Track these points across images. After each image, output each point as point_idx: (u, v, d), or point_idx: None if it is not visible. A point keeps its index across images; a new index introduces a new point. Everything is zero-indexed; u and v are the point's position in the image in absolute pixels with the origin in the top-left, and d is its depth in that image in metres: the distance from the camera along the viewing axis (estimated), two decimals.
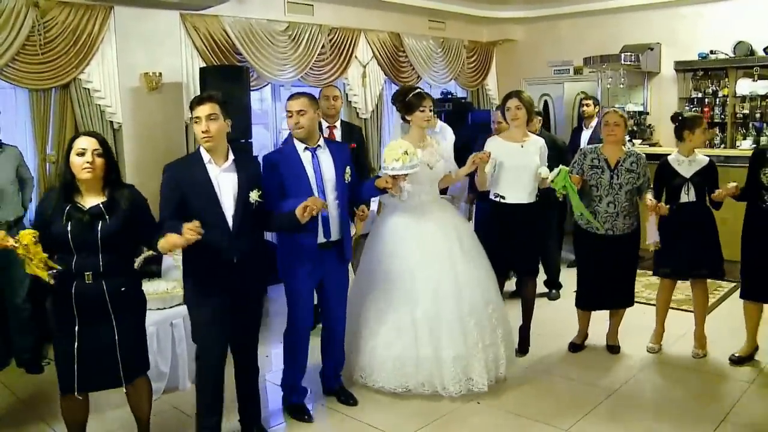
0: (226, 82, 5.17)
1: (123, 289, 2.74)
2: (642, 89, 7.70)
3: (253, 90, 5.99)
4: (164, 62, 5.48)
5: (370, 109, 7.08)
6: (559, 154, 4.82)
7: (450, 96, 8.08)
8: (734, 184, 3.77)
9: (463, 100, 8.18)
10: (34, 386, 3.94)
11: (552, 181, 3.85)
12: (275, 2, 6.25)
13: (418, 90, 3.77)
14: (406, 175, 3.40)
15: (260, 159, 3.43)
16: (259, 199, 2.97)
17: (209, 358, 3.02)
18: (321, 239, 3.35)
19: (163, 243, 2.67)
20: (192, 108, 2.92)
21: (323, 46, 6.52)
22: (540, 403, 3.61)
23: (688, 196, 3.96)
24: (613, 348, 4.28)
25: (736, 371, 3.94)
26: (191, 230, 2.61)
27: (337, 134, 4.72)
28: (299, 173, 3.30)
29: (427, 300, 3.60)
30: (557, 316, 4.46)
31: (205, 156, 2.94)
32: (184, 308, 3.41)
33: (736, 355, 4.02)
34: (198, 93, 5.42)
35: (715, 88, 7.09)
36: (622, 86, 7.45)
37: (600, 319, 4.35)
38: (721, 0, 6.91)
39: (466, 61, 8.25)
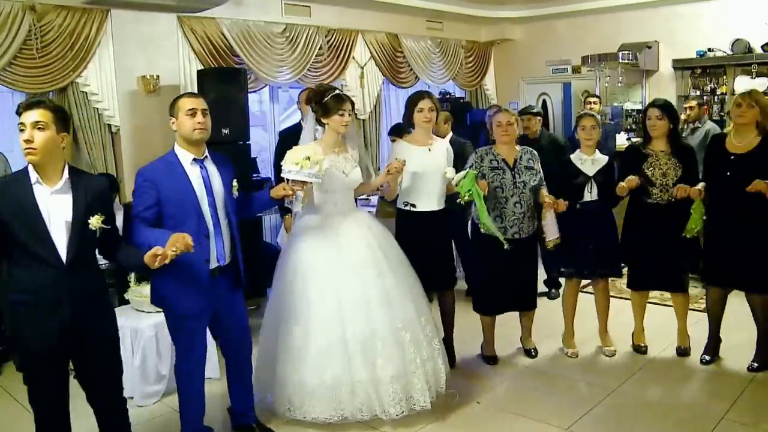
0: (224, 84, 5.18)
1: None
2: (640, 87, 7.71)
3: (251, 92, 6.00)
4: (161, 65, 5.49)
5: (368, 110, 7.09)
6: (562, 153, 4.81)
7: (448, 96, 8.09)
8: (635, 177, 3.84)
9: (461, 100, 8.19)
10: None
11: (457, 184, 3.62)
12: (272, 4, 6.25)
13: (338, 92, 3.44)
14: (304, 183, 3.13)
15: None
16: (103, 225, 2.52)
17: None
18: (214, 263, 2.96)
19: None
20: (18, 113, 2.46)
21: (321, 48, 6.53)
22: (539, 403, 3.61)
23: (591, 194, 4.01)
24: (529, 352, 4.25)
25: (734, 370, 3.92)
26: None
27: None
28: (184, 190, 2.87)
29: (358, 318, 3.27)
30: (556, 316, 4.46)
31: (33, 175, 2.45)
32: None
33: (637, 344, 4.26)
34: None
35: (713, 86, 7.10)
36: (620, 85, 7.46)
37: (593, 318, 4.34)
38: None
39: (464, 61, 8.25)
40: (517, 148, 4.00)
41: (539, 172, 3.99)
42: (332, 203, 3.48)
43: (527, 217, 3.92)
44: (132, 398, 3.75)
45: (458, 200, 3.67)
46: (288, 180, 3.13)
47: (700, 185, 3.81)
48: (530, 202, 3.92)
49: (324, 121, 3.45)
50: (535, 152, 4.09)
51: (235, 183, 3.07)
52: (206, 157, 3.01)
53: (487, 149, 3.99)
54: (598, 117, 4.36)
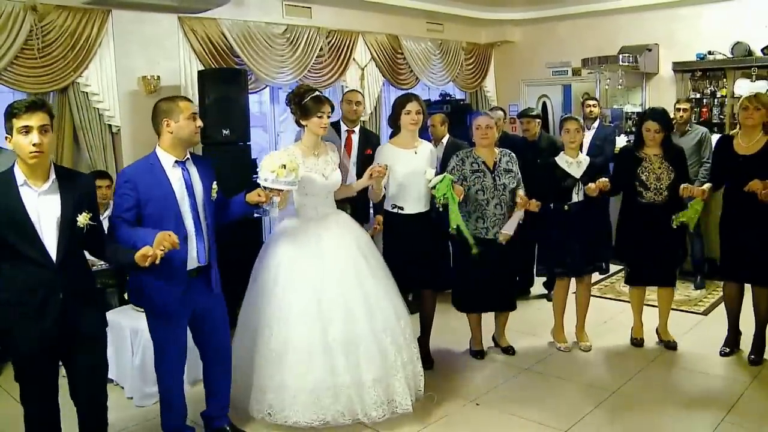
0: (224, 85, 5.18)
1: None
2: (640, 90, 7.70)
3: (252, 93, 5.99)
4: (162, 66, 5.48)
5: (368, 112, 7.08)
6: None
7: (448, 98, 8.08)
8: (605, 180, 4.02)
9: (461, 102, 8.19)
10: None
11: (434, 187, 3.65)
12: (273, 5, 6.25)
13: (317, 93, 3.42)
14: (280, 190, 3.12)
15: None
16: (90, 222, 2.57)
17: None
18: (194, 264, 2.98)
19: None
20: (16, 115, 2.42)
21: (321, 49, 6.52)
22: (539, 404, 3.61)
23: (578, 195, 4.12)
24: (507, 350, 4.31)
25: (735, 370, 3.94)
26: None
27: (355, 139, 4.71)
28: (164, 191, 2.89)
29: (339, 321, 3.26)
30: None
31: (20, 177, 2.47)
32: None
33: (634, 337, 4.39)
34: (196, 96, 5.43)
35: (713, 89, 7.08)
36: (620, 87, 7.46)
37: (593, 317, 4.34)
38: (718, 1, 6.90)
39: (464, 63, 8.25)
40: (496, 150, 4.07)
41: (517, 174, 4.07)
42: (312, 206, 3.47)
43: (507, 217, 4.00)
44: (131, 398, 3.76)
45: (436, 204, 3.72)
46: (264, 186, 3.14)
47: (706, 186, 3.97)
48: (510, 203, 4.01)
49: (303, 123, 3.43)
50: (513, 154, 4.14)
51: (214, 186, 3.08)
52: (188, 159, 3.02)
53: (468, 152, 4.06)
54: (581, 120, 4.46)
